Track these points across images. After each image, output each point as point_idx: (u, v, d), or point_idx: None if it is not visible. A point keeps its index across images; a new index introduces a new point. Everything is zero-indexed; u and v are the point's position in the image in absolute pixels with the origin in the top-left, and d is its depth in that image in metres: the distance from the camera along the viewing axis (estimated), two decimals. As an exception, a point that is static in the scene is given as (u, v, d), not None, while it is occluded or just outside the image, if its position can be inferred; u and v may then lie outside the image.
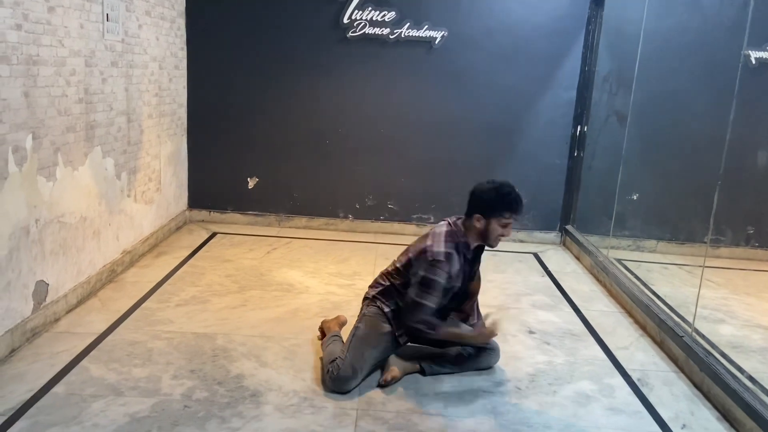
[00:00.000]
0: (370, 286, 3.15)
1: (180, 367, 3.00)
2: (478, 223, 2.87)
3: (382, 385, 2.91)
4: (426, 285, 2.83)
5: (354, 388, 2.85)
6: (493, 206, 2.84)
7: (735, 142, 3.65)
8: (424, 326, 2.85)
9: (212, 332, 3.40)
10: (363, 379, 2.90)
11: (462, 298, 3.02)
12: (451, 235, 2.90)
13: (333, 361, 2.91)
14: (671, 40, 5.03)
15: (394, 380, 2.95)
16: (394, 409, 2.74)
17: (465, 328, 3.04)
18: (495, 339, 3.09)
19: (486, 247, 3.01)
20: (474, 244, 2.95)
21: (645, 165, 5.24)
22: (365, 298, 3.13)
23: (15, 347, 3.04)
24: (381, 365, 3.00)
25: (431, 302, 2.84)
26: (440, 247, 2.85)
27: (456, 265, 2.86)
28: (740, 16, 3.58)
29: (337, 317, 3.39)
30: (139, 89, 4.39)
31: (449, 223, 2.96)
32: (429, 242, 2.89)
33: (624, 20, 5.13)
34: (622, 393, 3.02)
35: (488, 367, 3.13)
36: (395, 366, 2.99)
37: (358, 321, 3.03)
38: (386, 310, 3.00)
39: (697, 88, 5.11)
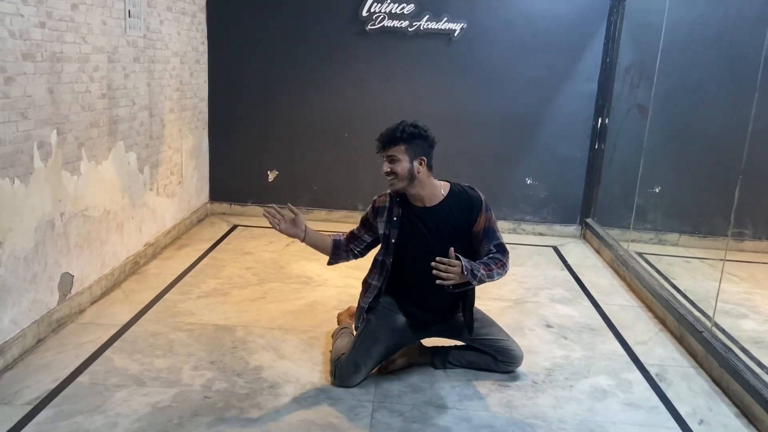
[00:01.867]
0: None
1: (200, 358, 3.06)
2: None
3: (382, 370, 2.97)
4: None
5: (360, 382, 2.87)
6: None
7: (759, 135, 3.59)
8: (332, 246, 2.98)
9: (232, 324, 3.45)
10: (369, 372, 2.92)
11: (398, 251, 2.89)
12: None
13: (339, 357, 2.93)
14: (694, 31, 4.95)
15: (395, 369, 2.99)
16: (410, 402, 2.77)
17: None
18: (515, 349, 3.04)
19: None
20: (409, 189, 2.79)
21: (667, 158, 5.17)
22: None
23: (41, 338, 3.13)
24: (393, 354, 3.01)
25: (351, 230, 2.99)
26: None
27: (386, 201, 2.87)
28: (764, 6, 3.51)
29: (349, 308, 3.40)
30: (160, 84, 4.45)
31: None
32: None
33: (646, 11, 5.05)
34: (640, 388, 3.01)
35: (506, 372, 3.07)
36: (403, 356, 3.02)
37: (371, 312, 2.98)
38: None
39: (720, 80, 5.02)
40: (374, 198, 2.94)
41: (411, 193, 2.80)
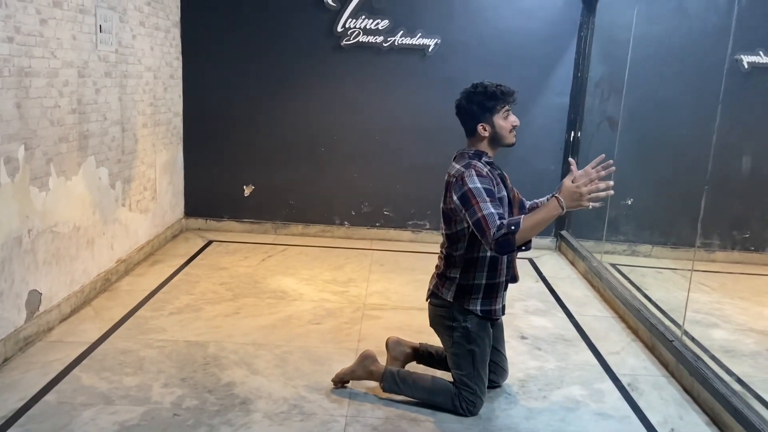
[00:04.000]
0: (434, 282, 2.86)
1: (171, 375, 3.01)
2: (486, 131, 2.69)
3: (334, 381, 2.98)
4: (469, 200, 2.53)
5: None
6: (483, 105, 2.67)
7: (729, 146, 3.66)
8: (505, 230, 2.43)
9: (204, 340, 3.41)
10: None
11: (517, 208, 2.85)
12: (461, 158, 2.73)
13: (458, 393, 2.78)
14: (660, 45, 5.06)
15: (340, 383, 2.97)
16: (383, 416, 2.76)
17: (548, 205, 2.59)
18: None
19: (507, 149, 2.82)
20: (491, 153, 2.75)
21: (637, 170, 5.25)
22: (435, 297, 2.84)
23: (8, 356, 3.06)
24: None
25: (490, 208, 2.49)
26: (459, 167, 2.65)
27: (484, 168, 2.64)
28: (725, 21, 3.61)
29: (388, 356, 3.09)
30: (133, 99, 4.42)
31: (455, 156, 2.79)
32: (449, 179, 2.70)
33: (615, 26, 5.15)
34: (612, 398, 3.03)
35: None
36: (349, 373, 2.94)
37: (464, 339, 2.74)
38: (448, 294, 2.77)
39: (685, 93, 5.12)
40: (467, 172, 2.60)
41: (495, 153, 2.77)
